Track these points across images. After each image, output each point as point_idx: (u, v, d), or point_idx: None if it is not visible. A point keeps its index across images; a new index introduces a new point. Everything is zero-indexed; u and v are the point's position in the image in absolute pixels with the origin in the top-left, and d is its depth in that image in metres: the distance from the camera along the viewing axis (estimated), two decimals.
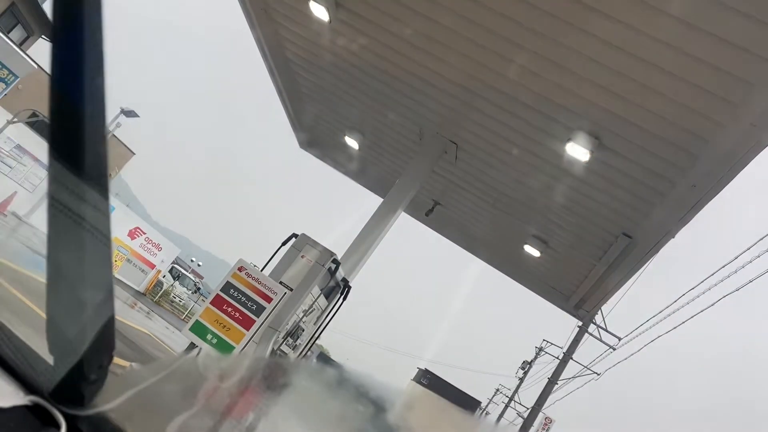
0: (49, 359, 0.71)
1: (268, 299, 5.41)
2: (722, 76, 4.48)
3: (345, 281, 6.73)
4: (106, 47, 0.61)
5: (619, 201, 6.73)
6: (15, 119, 18.92)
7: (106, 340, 0.70)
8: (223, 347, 5.24)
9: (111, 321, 0.70)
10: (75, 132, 0.62)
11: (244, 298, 5.40)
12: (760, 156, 4.77)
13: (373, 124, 8.88)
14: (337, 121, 9.60)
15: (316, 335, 6.60)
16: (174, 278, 27.65)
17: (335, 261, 6.07)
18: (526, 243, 9.06)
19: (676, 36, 4.43)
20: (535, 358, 30.60)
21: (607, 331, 19.93)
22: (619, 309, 18.82)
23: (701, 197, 5.61)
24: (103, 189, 0.64)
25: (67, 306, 0.67)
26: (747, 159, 4.86)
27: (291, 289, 5.67)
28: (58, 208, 0.63)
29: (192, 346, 5.40)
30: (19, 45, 19.91)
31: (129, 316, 13.66)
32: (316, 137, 10.74)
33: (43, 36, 23.03)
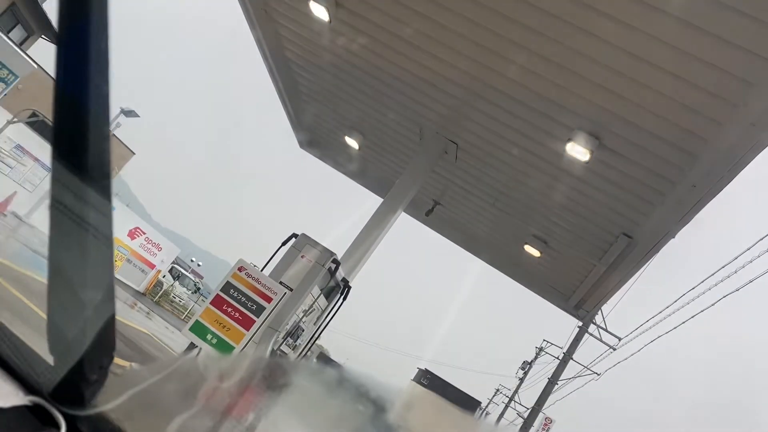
0: (49, 359, 0.71)
1: (268, 299, 5.41)
2: (722, 76, 4.48)
3: (345, 281, 6.73)
4: (111, 50, 0.61)
5: (619, 201, 6.73)
6: (15, 119, 18.92)
7: (106, 340, 0.69)
8: (223, 347, 5.24)
9: (111, 321, 0.69)
10: (79, 133, 0.62)
11: (244, 298, 5.40)
12: (760, 156, 4.77)
13: (373, 124, 8.88)
14: (337, 121, 9.60)
15: (316, 335, 6.60)
16: (174, 278, 27.64)
17: (335, 261, 6.07)
18: (526, 243, 9.06)
19: (677, 36, 4.43)
20: (535, 358, 30.61)
21: (607, 331, 19.94)
22: (619, 309, 18.83)
23: (701, 197, 5.61)
24: (105, 191, 0.64)
25: (68, 306, 0.67)
26: (747, 159, 4.85)
27: (291, 289, 5.67)
28: (60, 209, 0.63)
29: (192, 346, 5.40)
30: (19, 45, 19.91)
31: (129, 316, 13.66)
32: (316, 137, 10.74)
33: (43, 36, 23.03)
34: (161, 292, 25.79)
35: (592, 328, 19.97)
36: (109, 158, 0.64)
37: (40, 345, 0.74)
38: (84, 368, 0.68)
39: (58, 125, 0.62)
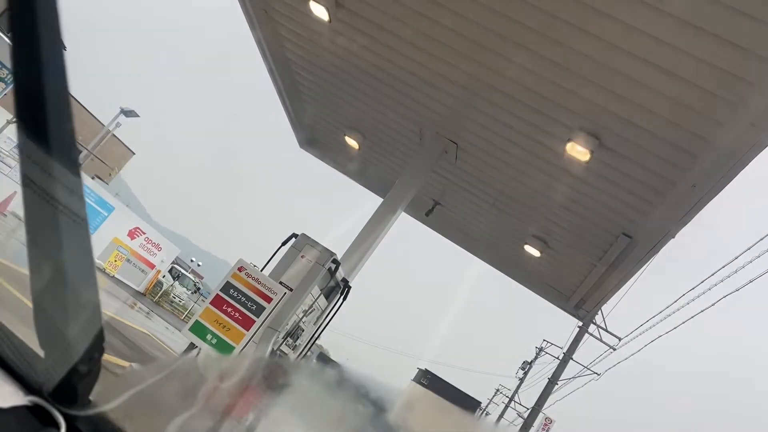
0: (42, 353, 0.71)
1: (268, 299, 5.41)
2: (722, 76, 4.48)
3: (345, 281, 6.73)
4: (61, 20, 0.63)
5: (619, 201, 6.73)
6: (15, 119, 18.91)
7: (94, 328, 0.69)
8: (223, 347, 5.24)
9: (97, 308, 0.69)
10: (37, 100, 0.63)
11: (244, 298, 5.40)
12: (761, 156, 4.77)
13: (373, 124, 8.88)
14: (337, 121, 9.60)
15: (316, 335, 6.60)
16: (174, 278, 27.65)
17: (335, 261, 6.07)
18: (526, 243, 9.06)
19: (676, 35, 4.43)
20: (536, 358, 30.62)
21: (607, 331, 19.96)
22: (619, 309, 18.83)
23: (701, 197, 5.61)
24: (74, 168, 0.65)
25: (52, 295, 0.67)
26: (747, 159, 4.85)
27: (291, 289, 5.67)
28: (30, 186, 0.64)
29: (192, 346, 5.39)
30: None
31: (129, 316, 13.65)
32: (316, 137, 10.74)
33: None
34: (161, 292, 25.79)
35: (592, 328, 19.98)
36: (72, 133, 0.64)
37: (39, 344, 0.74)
38: (74, 359, 0.67)
39: (18, 95, 0.63)
